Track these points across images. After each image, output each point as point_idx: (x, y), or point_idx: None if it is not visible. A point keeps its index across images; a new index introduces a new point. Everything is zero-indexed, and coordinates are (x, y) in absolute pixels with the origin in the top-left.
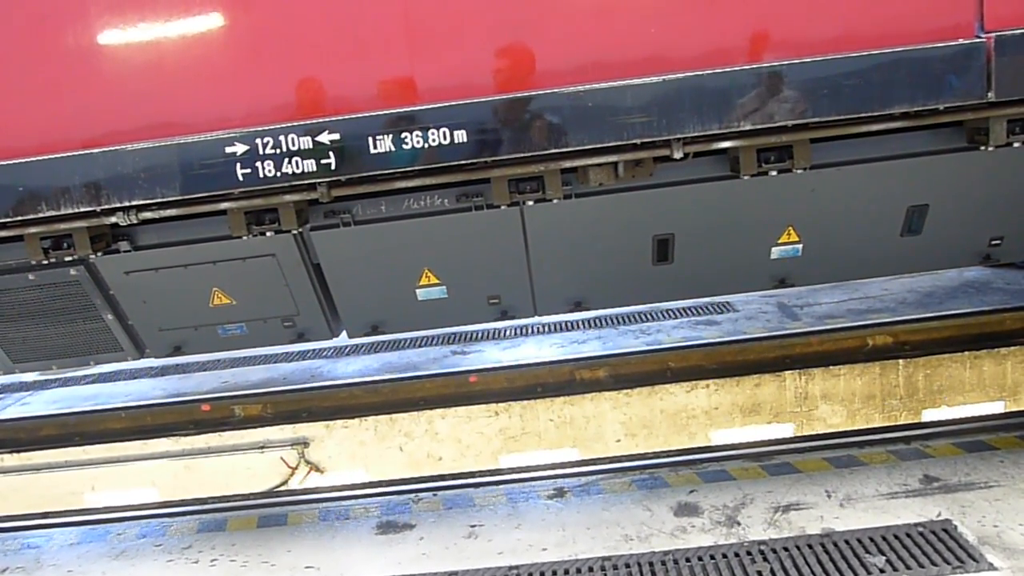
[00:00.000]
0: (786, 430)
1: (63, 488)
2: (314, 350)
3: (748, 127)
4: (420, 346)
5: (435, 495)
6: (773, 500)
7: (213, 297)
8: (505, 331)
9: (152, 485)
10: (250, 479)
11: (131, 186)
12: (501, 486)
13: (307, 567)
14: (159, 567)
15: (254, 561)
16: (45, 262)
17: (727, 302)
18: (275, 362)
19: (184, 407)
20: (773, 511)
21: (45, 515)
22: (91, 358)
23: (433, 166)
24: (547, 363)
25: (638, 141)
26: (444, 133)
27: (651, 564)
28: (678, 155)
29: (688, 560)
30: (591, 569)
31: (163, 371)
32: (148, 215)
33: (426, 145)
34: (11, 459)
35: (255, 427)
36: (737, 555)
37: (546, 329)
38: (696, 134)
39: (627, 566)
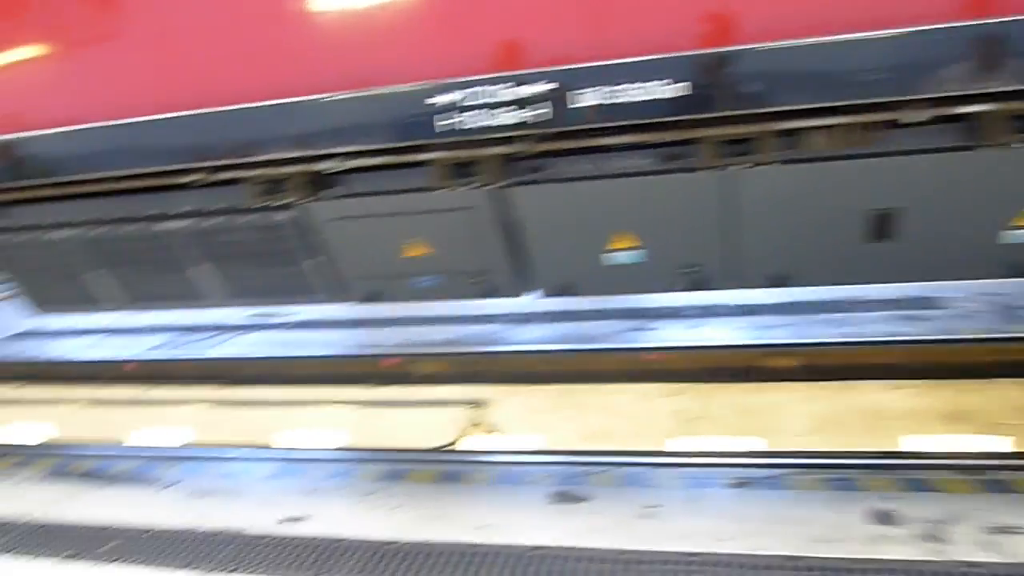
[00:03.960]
0: (1002, 444)
1: (259, 425)
2: (492, 315)
3: (999, 89)
4: (599, 319)
5: (609, 470)
6: (984, 520)
7: (410, 248)
8: (688, 310)
9: (337, 430)
10: (426, 434)
11: (339, 134)
12: (679, 469)
13: (481, 525)
14: (346, 506)
15: (431, 513)
16: (258, 206)
17: (937, 297)
18: (456, 324)
19: (369, 359)
20: (984, 531)
21: (246, 447)
22: (293, 299)
23: (639, 122)
24: (731, 346)
25: (864, 102)
26: (652, 88)
27: (841, 571)
28: (911, 119)
29: (883, 572)
30: (771, 567)
31: (357, 323)
32: (355, 163)
33: (633, 100)
34: (231, 392)
35: (434, 385)
36: (950, 575)
37: (733, 311)
38: (934, 95)
39: (810, 569)
